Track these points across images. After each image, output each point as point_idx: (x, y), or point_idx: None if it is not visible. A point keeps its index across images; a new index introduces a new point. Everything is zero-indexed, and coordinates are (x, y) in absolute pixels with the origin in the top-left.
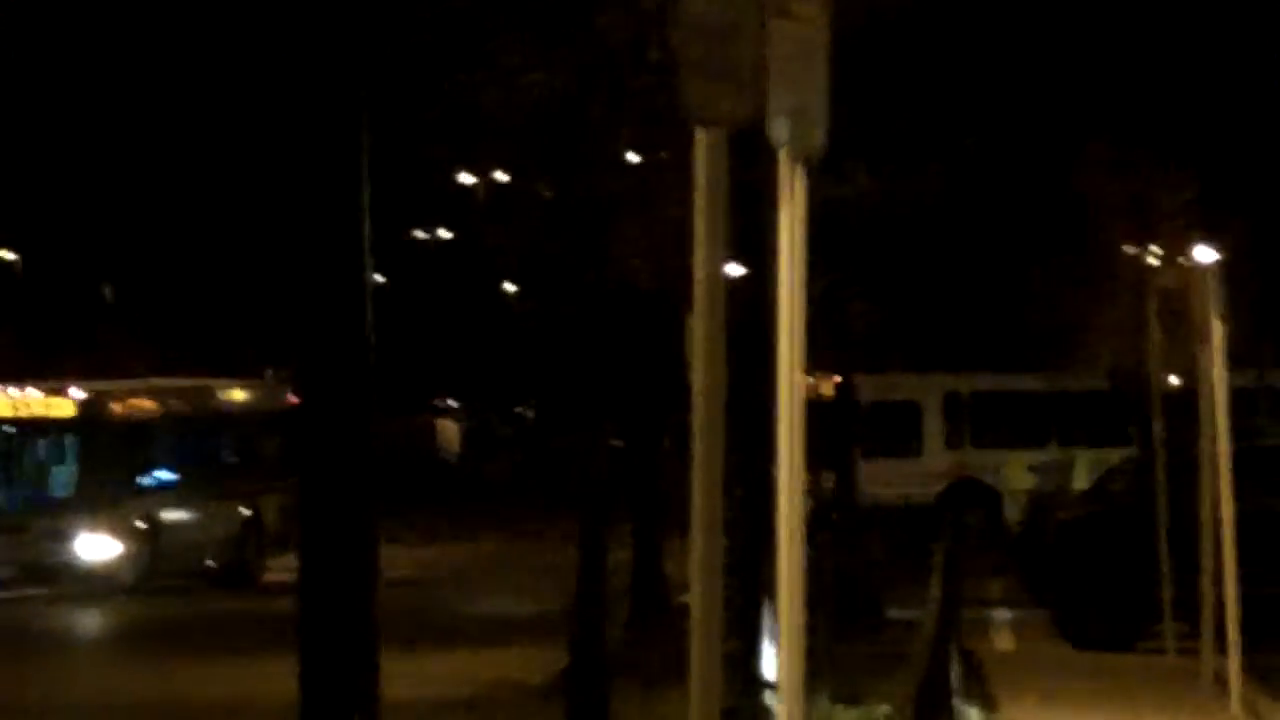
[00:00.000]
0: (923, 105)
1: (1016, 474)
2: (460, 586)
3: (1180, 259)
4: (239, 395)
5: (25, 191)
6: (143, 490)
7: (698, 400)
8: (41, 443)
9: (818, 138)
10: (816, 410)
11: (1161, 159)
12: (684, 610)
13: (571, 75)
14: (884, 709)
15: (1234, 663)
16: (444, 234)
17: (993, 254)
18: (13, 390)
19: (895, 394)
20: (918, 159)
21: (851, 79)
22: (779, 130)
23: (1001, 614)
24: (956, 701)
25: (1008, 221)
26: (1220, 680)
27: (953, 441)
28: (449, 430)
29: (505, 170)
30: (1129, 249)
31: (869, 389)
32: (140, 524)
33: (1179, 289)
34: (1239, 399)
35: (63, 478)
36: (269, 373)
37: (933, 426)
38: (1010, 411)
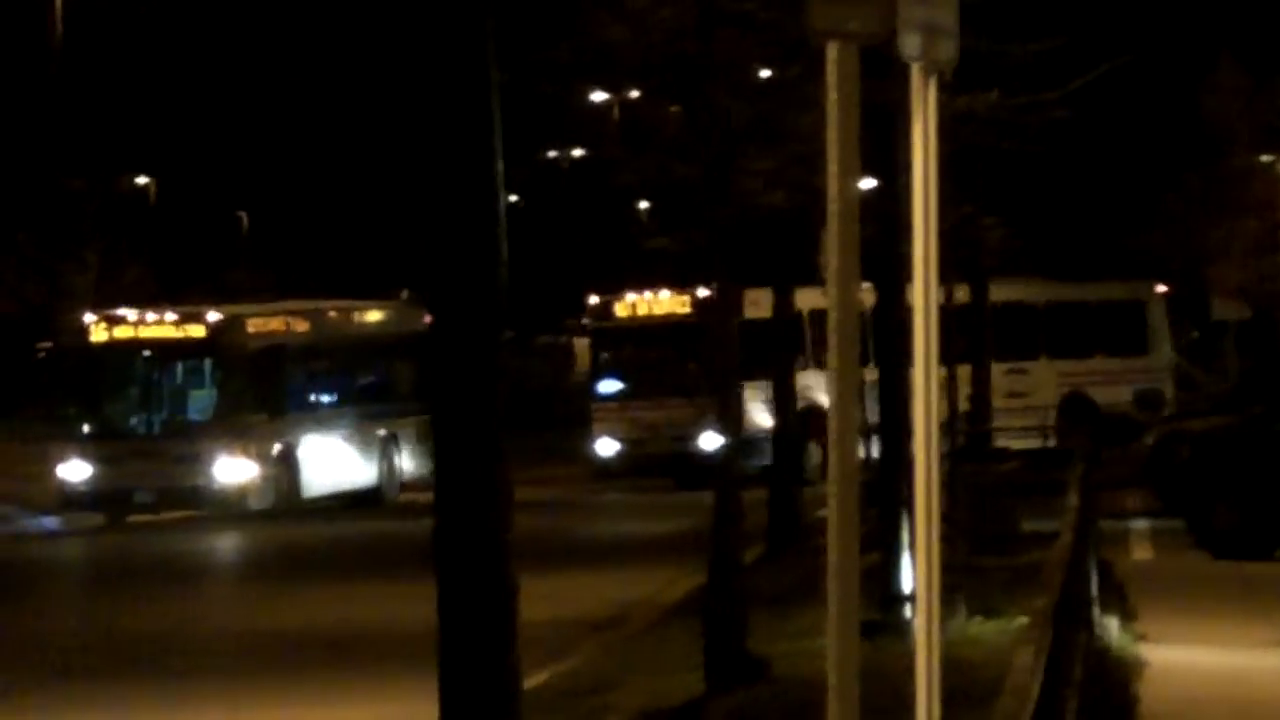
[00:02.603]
0: (1051, 26)
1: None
2: (596, 508)
3: None
4: (374, 317)
5: (159, 118)
6: (279, 413)
7: (832, 314)
8: (178, 366)
9: (949, 50)
10: (946, 315)
11: None
12: (821, 525)
13: (697, 10)
14: (1021, 621)
15: None
16: (577, 153)
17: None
18: (150, 314)
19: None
20: (1049, 80)
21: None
22: (910, 44)
23: (1139, 525)
24: (1095, 613)
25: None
26: None
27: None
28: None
29: (637, 90)
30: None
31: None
32: (278, 447)
33: None
34: None
35: (200, 401)
36: (403, 295)
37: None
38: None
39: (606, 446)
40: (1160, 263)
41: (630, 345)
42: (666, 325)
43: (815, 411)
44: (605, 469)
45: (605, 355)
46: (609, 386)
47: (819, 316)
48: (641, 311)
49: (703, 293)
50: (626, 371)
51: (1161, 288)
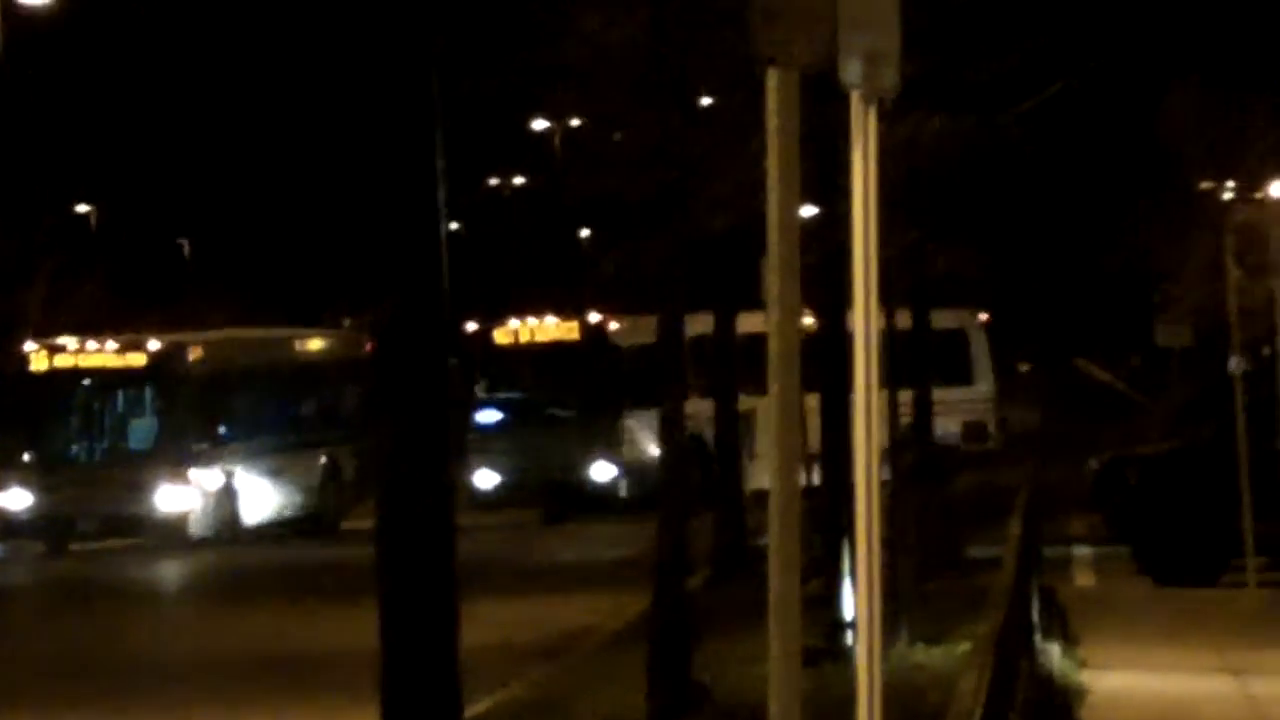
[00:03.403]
0: (1002, 48)
1: None
2: (539, 533)
3: (1258, 194)
4: (317, 345)
5: (101, 144)
6: (221, 441)
7: (773, 339)
8: (120, 395)
9: (890, 78)
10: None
11: (1243, 100)
12: (763, 552)
13: (647, 28)
14: (965, 647)
15: None
16: (519, 181)
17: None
18: (91, 343)
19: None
20: (997, 104)
21: (931, 21)
22: (850, 71)
23: (1082, 551)
24: (1037, 639)
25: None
26: None
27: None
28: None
29: (582, 117)
30: (1206, 184)
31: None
32: (219, 475)
33: (1257, 224)
34: None
35: (141, 429)
36: (346, 323)
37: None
38: None
39: (485, 478)
40: (1112, 287)
41: (511, 373)
42: (550, 352)
43: (698, 440)
44: (483, 500)
45: (484, 383)
46: (488, 416)
47: (701, 343)
48: (524, 339)
49: (594, 318)
50: (506, 400)
51: (983, 316)
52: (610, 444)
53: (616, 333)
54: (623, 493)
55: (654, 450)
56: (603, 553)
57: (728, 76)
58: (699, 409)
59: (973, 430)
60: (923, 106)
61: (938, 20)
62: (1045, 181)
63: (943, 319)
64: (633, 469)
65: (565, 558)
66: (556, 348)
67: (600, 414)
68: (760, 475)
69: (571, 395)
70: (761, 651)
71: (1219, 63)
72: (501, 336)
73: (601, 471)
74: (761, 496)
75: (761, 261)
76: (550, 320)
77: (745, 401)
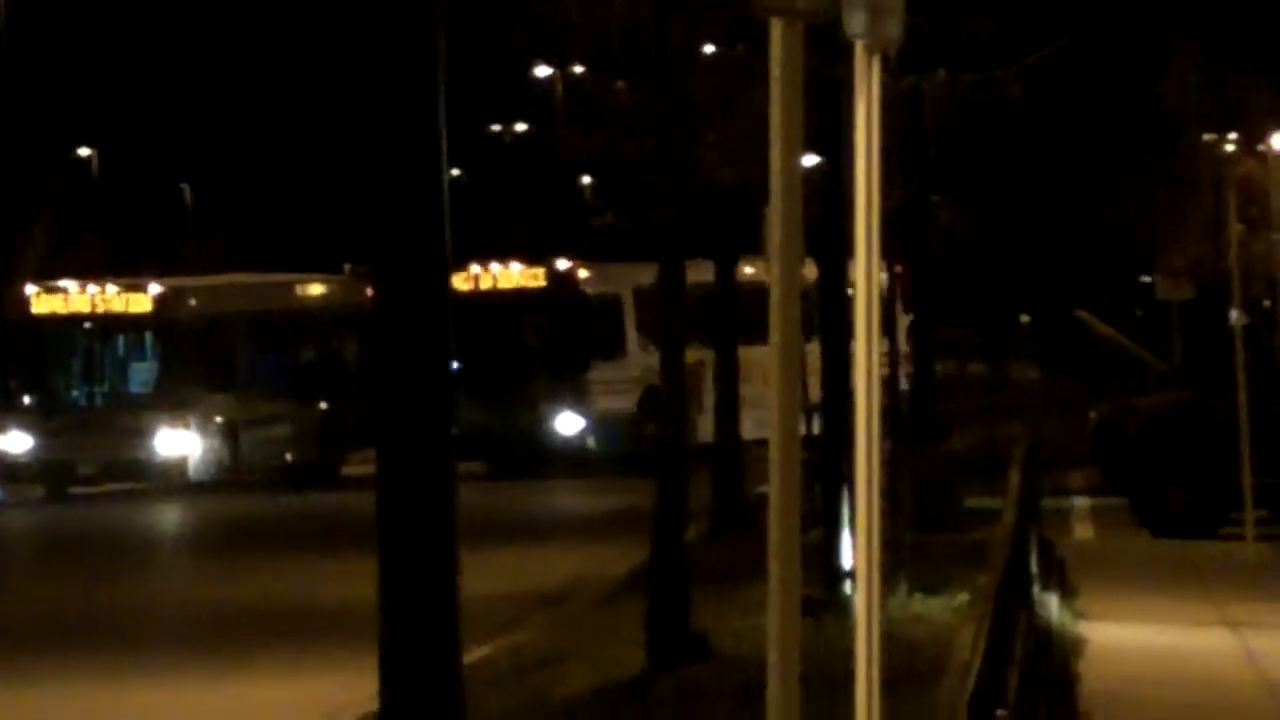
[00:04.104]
0: (1004, 4)
1: None
2: (542, 484)
3: (1260, 148)
4: (317, 291)
5: (102, 90)
6: (222, 386)
7: (775, 292)
8: (120, 339)
9: (894, 29)
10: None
11: (1245, 55)
12: (763, 501)
13: None
14: (963, 598)
15: None
16: (520, 128)
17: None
18: (91, 287)
19: None
20: (998, 61)
21: None
22: (855, 22)
23: (1081, 503)
24: (1036, 591)
25: (1090, 124)
26: None
27: None
28: None
29: (584, 65)
30: (1209, 138)
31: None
32: (219, 420)
33: (1258, 178)
34: None
35: (142, 374)
36: (347, 268)
37: None
38: None
39: None
40: (1113, 241)
41: (471, 321)
42: (513, 300)
43: (653, 391)
44: None
45: None
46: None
47: (646, 296)
48: (485, 285)
49: (562, 265)
50: (464, 349)
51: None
52: (576, 397)
53: (586, 281)
54: (590, 447)
55: (622, 404)
56: (588, 506)
57: (730, 27)
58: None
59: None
60: (925, 61)
61: None
62: (1046, 137)
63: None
64: (602, 423)
65: (548, 510)
66: (520, 295)
67: (566, 365)
68: (705, 429)
69: (535, 345)
70: (760, 602)
71: (1220, 18)
72: (461, 282)
73: (567, 425)
74: (705, 451)
75: (763, 212)
76: (515, 267)
77: (693, 354)
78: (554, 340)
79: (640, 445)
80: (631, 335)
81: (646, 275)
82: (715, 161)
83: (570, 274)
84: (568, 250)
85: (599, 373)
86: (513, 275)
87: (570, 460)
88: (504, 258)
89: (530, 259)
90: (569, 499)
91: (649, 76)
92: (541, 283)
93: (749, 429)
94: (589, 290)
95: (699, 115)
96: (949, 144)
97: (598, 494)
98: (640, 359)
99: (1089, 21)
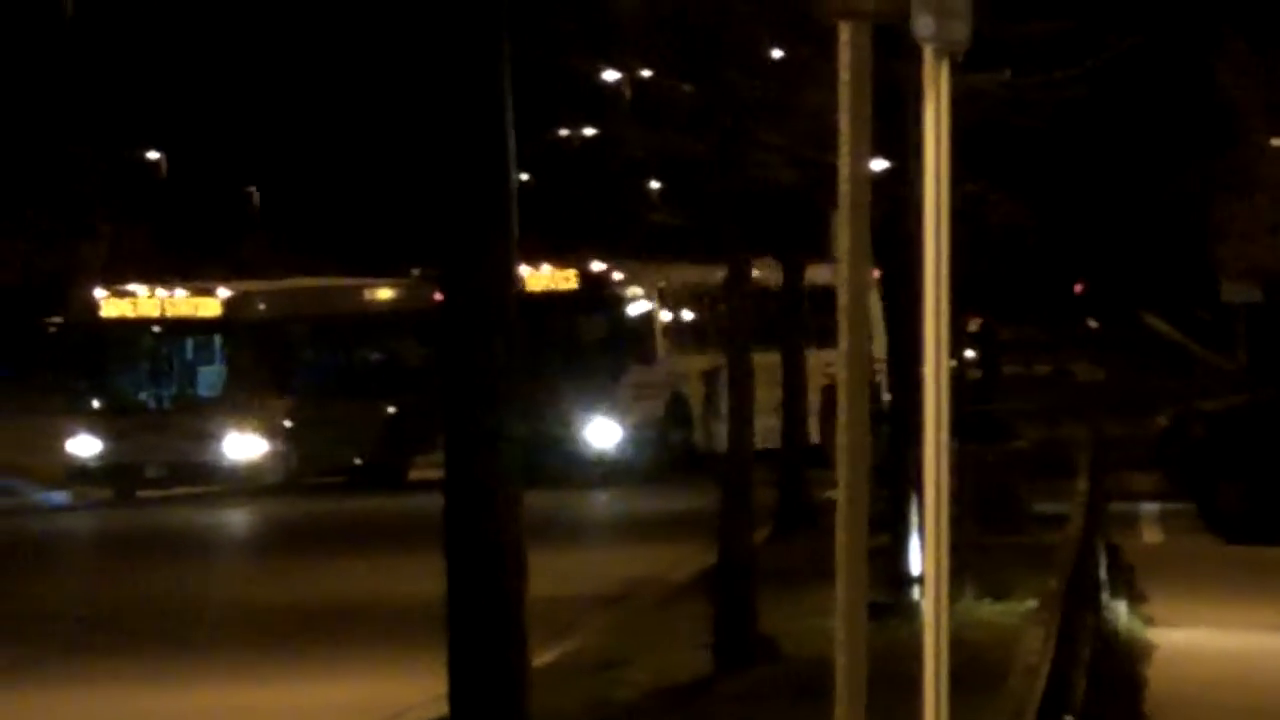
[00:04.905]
0: (1066, 5)
1: None
2: (605, 486)
3: None
4: (384, 295)
5: (169, 92)
6: (289, 389)
7: (843, 295)
8: (189, 342)
9: (962, 31)
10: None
11: None
12: (830, 505)
13: None
14: (1030, 603)
15: None
16: (588, 131)
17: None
18: (160, 290)
19: None
20: (1064, 60)
21: None
22: (923, 24)
23: (1149, 508)
24: (1104, 595)
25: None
26: None
27: None
28: None
29: (648, 68)
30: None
31: None
32: (287, 423)
33: None
34: None
35: (210, 377)
36: (414, 272)
37: None
38: None
39: None
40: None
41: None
42: (542, 303)
43: (680, 399)
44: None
45: None
46: None
47: (675, 298)
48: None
49: (597, 267)
50: None
51: (875, 272)
52: (608, 403)
53: (620, 283)
54: (620, 453)
55: (650, 410)
56: (633, 511)
57: (792, 27)
58: (684, 367)
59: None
60: (987, 61)
61: None
62: (1110, 137)
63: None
64: (632, 429)
65: (593, 515)
66: (550, 298)
67: (598, 370)
68: (724, 435)
69: (567, 350)
70: (826, 606)
71: (1274, 20)
72: None
73: (599, 432)
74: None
75: (828, 213)
76: (545, 269)
77: (716, 358)
78: (586, 344)
79: (667, 452)
80: (660, 339)
81: (676, 276)
82: (777, 162)
83: (604, 275)
84: (627, 252)
85: (629, 377)
86: (543, 277)
87: (600, 467)
88: (559, 257)
89: (562, 260)
90: (611, 504)
91: (711, 78)
92: (574, 285)
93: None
94: (621, 292)
95: (761, 116)
96: (1012, 144)
97: (635, 499)
98: (668, 364)
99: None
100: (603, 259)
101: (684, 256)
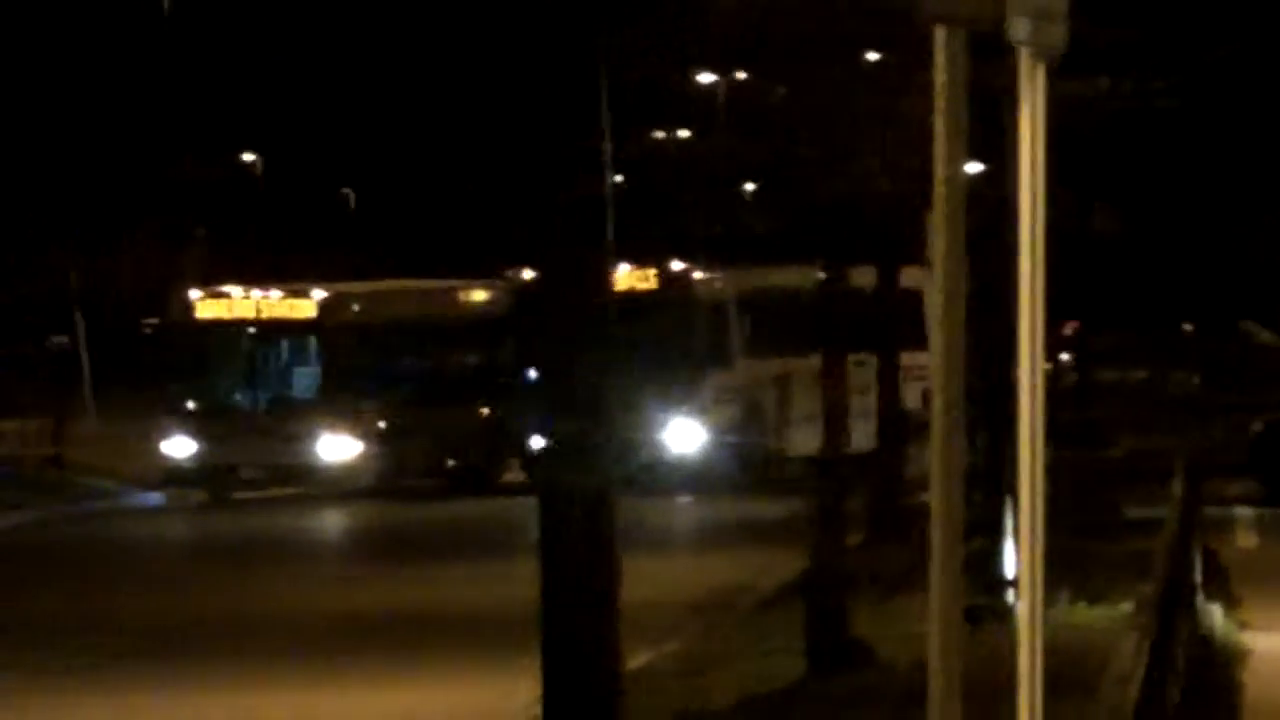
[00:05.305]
0: (1163, 14)
1: None
2: (684, 491)
3: None
4: (479, 297)
5: (266, 95)
6: (384, 391)
7: (938, 300)
8: (284, 344)
9: (1058, 35)
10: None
11: None
12: (924, 510)
13: None
14: (1125, 607)
15: None
16: (683, 134)
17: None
18: (256, 292)
19: None
20: (1160, 68)
21: None
22: (1019, 29)
23: (1244, 512)
24: (1199, 600)
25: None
26: None
27: None
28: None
29: (746, 72)
30: None
31: None
32: (380, 425)
33: None
34: None
35: (304, 379)
36: (509, 274)
37: None
38: None
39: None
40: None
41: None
42: (620, 304)
43: (756, 407)
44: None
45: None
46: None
47: (752, 302)
48: None
49: (677, 266)
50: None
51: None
52: (687, 409)
53: (700, 284)
54: (697, 461)
55: (727, 416)
56: (719, 517)
57: (891, 33)
58: (759, 371)
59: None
60: (1086, 68)
61: None
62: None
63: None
64: (710, 436)
65: (677, 522)
66: (629, 299)
67: (677, 375)
68: (800, 441)
69: (645, 352)
70: (919, 610)
71: None
72: None
73: (678, 438)
74: (807, 465)
75: (925, 219)
76: (624, 268)
77: (789, 363)
78: (666, 347)
79: (744, 458)
80: (738, 344)
81: (749, 279)
82: (874, 168)
83: (684, 276)
84: (706, 254)
85: (709, 381)
86: (622, 277)
87: (680, 473)
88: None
89: (640, 261)
90: (693, 510)
91: (810, 84)
92: (653, 285)
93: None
94: (701, 294)
95: (858, 122)
96: (1110, 151)
97: (716, 505)
98: (745, 368)
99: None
100: (681, 260)
101: (763, 260)
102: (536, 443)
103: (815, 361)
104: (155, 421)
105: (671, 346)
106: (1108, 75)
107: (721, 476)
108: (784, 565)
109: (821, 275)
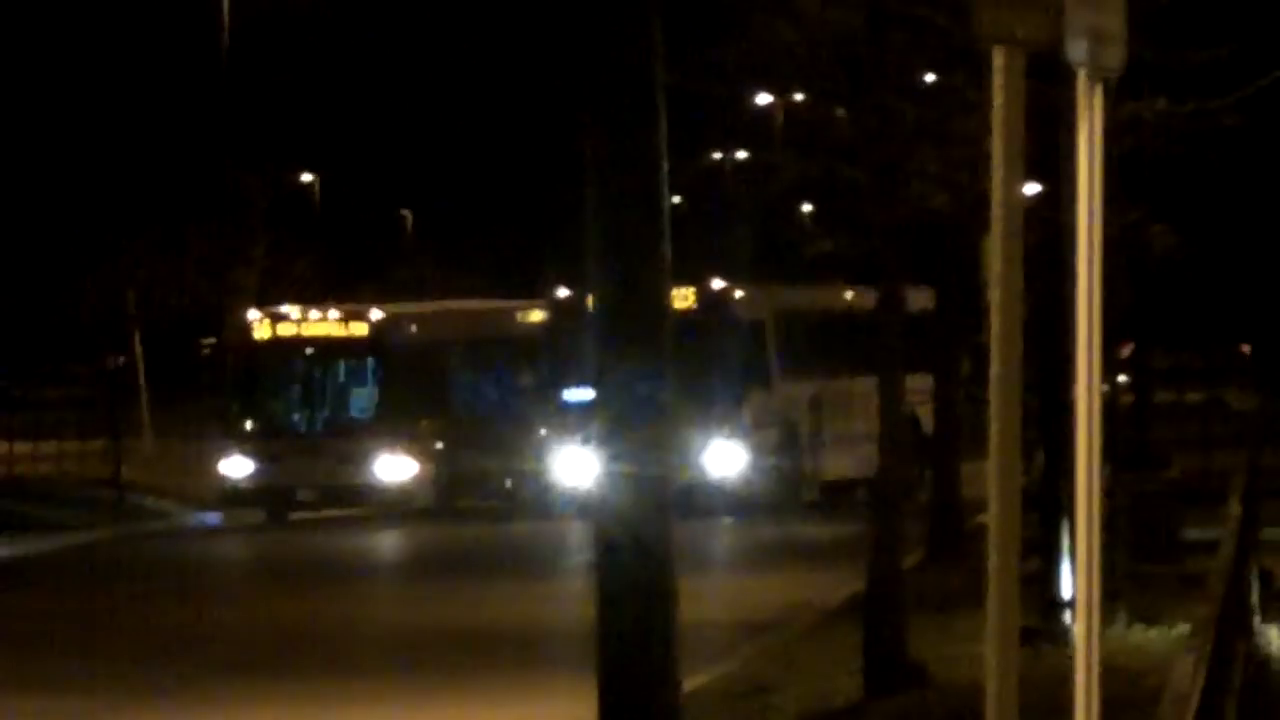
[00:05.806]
0: (1223, 32)
1: None
2: (725, 513)
3: None
4: (535, 317)
5: (324, 116)
6: (440, 412)
7: (995, 320)
8: (341, 364)
9: (1116, 57)
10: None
11: None
12: (981, 531)
13: (865, 11)
14: (1182, 629)
15: None
16: (741, 155)
17: None
18: (313, 312)
19: None
20: (1220, 87)
21: (1151, 4)
22: (1076, 50)
23: None
24: (1256, 621)
25: None
26: None
27: None
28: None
29: (803, 92)
30: None
31: None
32: (437, 446)
33: None
34: None
35: (362, 400)
36: (561, 294)
37: None
38: None
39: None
40: None
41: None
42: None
43: (794, 430)
44: None
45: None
46: (578, 394)
47: (790, 321)
48: None
49: (717, 284)
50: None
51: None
52: (728, 430)
53: (740, 303)
54: (742, 484)
55: (765, 438)
56: (771, 539)
57: (945, 55)
58: (795, 392)
59: None
60: (1144, 88)
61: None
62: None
63: (918, 298)
64: (756, 457)
65: (730, 543)
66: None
67: (716, 396)
68: (834, 464)
69: (685, 372)
70: (976, 631)
71: None
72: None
73: (718, 460)
74: (838, 488)
75: (982, 240)
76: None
77: (822, 384)
78: (706, 367)
79: (782, 480)
80: (775, 364)
81: (786, 298)
82: (932, 188)
83: (725, 294)
84: (747, 273)
85: (749, 402)
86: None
87: (722, 495)
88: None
89: (682, 278)
90: (737, 531)
91: (869, 104)
92: (692, 303)
93: (852, 466)
94: (741, 313)
95: (918, 142)
96: (1168, 171)
97: (759, 527)
98: (782, 390)
99: None
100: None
101: (797, 279)
102: (591, 464)
103: (857, 383)
104: (212, 442)
105: (713, 366)
106: (1166, 96)
107: (763, 498)
108: (834, 586)
109: (849, 294)
